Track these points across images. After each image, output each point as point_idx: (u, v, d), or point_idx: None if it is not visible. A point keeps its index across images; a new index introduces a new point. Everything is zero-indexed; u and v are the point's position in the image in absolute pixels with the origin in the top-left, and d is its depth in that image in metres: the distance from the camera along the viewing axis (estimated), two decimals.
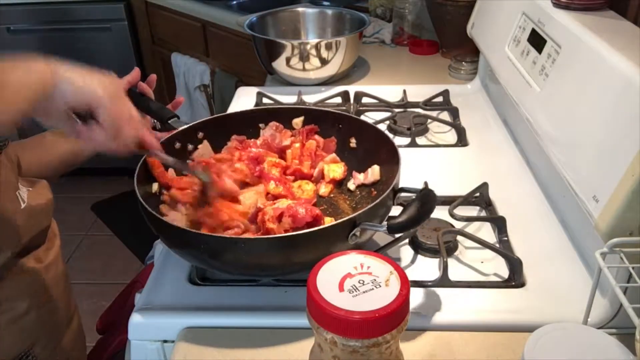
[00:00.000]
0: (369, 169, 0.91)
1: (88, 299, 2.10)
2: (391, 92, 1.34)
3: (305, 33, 1.59)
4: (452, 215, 0.87)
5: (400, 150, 0.84)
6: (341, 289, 0.50)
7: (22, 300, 0.81)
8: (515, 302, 0.74)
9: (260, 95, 1.32)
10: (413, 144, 1.14)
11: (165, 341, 0.75)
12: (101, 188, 2.79)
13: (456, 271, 0.80)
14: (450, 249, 0.84)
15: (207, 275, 0.82)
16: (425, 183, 0.93)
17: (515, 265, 0.78)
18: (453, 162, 1.09)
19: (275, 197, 0.86)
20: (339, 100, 1.32)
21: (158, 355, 0.75)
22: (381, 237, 0.86)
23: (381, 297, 0.49)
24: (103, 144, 0.67)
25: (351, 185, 0.92)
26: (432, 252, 0.84)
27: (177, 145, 0.90)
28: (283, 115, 0.99)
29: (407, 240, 0.86)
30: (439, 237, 0.81)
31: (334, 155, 0.95)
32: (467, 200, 0.92)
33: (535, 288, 0.76)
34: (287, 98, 1.31)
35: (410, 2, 1.65)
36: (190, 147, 0.93)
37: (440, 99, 1.32)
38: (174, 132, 0.90)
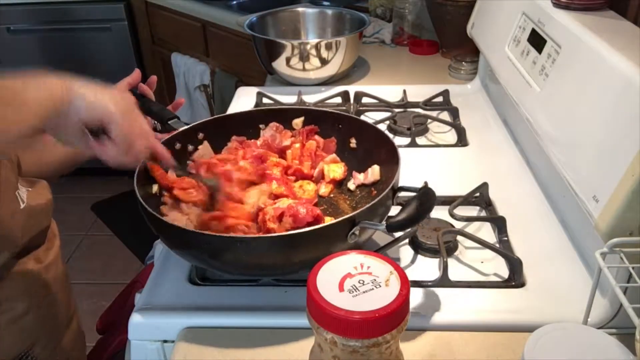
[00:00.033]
0: (369, 169, 0.91)
1: (88, 299, 2.10)
2: (391, 92, 1.34)
3: (305, 33, 1.59)
4: (452, 215, 0.87)
5: (400, 150, 0.84)
6: (341, 289, 0.50)
7: (22, 301, 0.81)
8: (515, 302, 0.74)
9: (260, 95, 1.32)
10: (413, 144, 1.14)
11: (165, 341, 0.75)
12: (101, 188, 2.79)
13: (456, 271, 0.80)
14: (450, 249, 0.84)
15: (207, 275, 0.82)
16: (425, 183, 0.93)
17: (515, 265, 0.78)
18: (453, 162, 1.09)
19: (277, 197, 0.86)
20: (339, 100, 1.32)
21: (158, 355, 0.75)
22: (381, 237, 0.87)
23: (381, 297, 0.49)
24: (115, 158, 0.67)
25: (351, 185, 0.92)
26: (432, 252, 0.84)
27: (178, 146, 0.90)
28: (283, 116, 0.99)
29: (407, 240, 0.86)
30: (439, 237, 0.81)
31: (334, 155, 0.95)
32: (467, 200, 0.92)
33: (535, 288, 0.76)
34: (287, 98, 1.31)
35: (410, 2, 1.65)
36: (190, 147, 0.93)
37: (440, 99, 1.32)
38: (174, 132, 0.90)
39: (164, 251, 0.86)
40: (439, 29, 1.59)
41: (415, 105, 1.29)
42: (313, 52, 1.35)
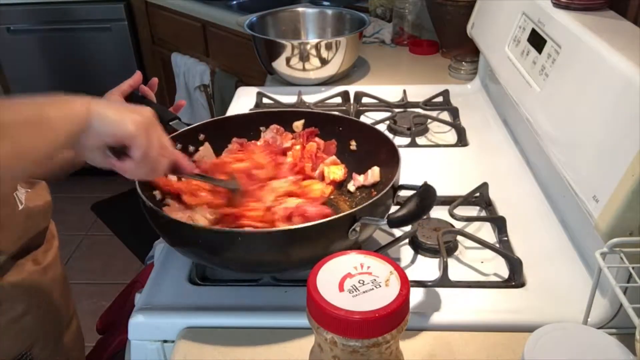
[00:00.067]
0: (369, 171, 0.91)
1: (88, 299, 2.10)
2: (391, 92, 1.34)
3: (305, 33, 1.59)
4: (452, 215, 0.87)
5: (400, 150, 0.84)
6: (341, 289, 0.50)
7: (21, 302, 0.81)
8: (515, 302, 0.74)
9: (260, 95, 1.32)
10: (413, 144, 1.14)
11: (165, 341, 0.75)
12: (101, 188, 2.79)
13: (456, 271, 0.80)
14: (450, 249, 0.84)
15: (207, 275, 0.82)
16: (425, 182, 0.93)
17: (515, 265, 0.78)
18: (453, 162, 1.09)
19: (289, 196, 0.86)
20: (339, 100, 1.32)
21: (158, 355, 0.75)
22: (381, 236, 0.87)
23: (381, 297, 0.49)
24: (136, 174, 0.69)
25: (351, 186, 0.92)
26: (432, 252, 0.84)
27: (178, 146, 0.90)
28: (284, 118, 0.99)
29: (407, 240, 0.86)
30: (439, 237, 0.81)
31: (334, 157, 0.95)
32: (467, 200, 0.92)
33: (535, 288, 0.76)
34: (287, 98, 1.31)
35: (410, 2, 1.65)
36: (191, 148, 0.93)
37: (440, 99, 1.32)
38: (175, 133, 0.90)
39: (164, 251, 0.86)
40: (439, 29, 1.59)
41: (415, 105, 1.29)
42: (313, 52, 1.36)
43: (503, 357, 0.67)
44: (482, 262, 0.82)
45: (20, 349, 0.81)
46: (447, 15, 1.50)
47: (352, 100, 1.31)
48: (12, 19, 2.55)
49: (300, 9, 1.59)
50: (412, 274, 0.79)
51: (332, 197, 0.92)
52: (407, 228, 0.85)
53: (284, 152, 0.95)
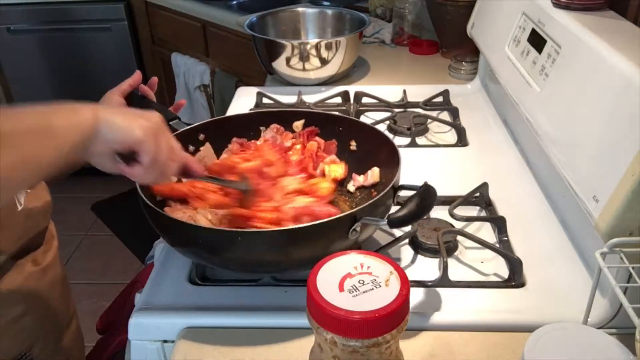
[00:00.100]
0: (369, 171, 0.91)
1: (88, 299, 2.10)
2: (391, 92, 1.34)
3: (305, 33, 1.59)
4: (452, 215, 0.87)
5: (400, 150, 0.84)
6: (341, 289, 0.50)
7: (20, 302, 0.81)
8: (515, 302, 0.74)
9: (260, 95, 1.32)
10: (413, 144, 1.14)
11: (165, 341, 0.75)
12: (101, 188, 2.79)
13: (456, 271, 0.80)
14: (450, 249, 0.84)
15: (207, 275, 0.82)
16: (425, 182, 0.93)
17: (515, 265, 0.78)
18: (453, 162, 1.09)
19: (297, 193, 0.85)
20: (339, 100, 1.32)
21: (158, 355, 0.75)
22: (381, 236, 0.87)
23: (381, 297, 0.49)
24: (146, 179, 0.69)
25: (351, 187, 0.92)
26: (432, 252, 0.84)
27: None
28: (284, 118, 0.99)
29: (407, 240, 0.86)
30: (439, 237, 0.81)
31: (333, 156, 0.95)
32: (467, 200, 0.92)
33: (535, 288, 0.76)
34: (287, 98, 1.31)
35: (410, 2, 1.65)
36: (191, 148, 0.93)
37: (440, 99, 1.32)
38: (175, 133, 0.90)
39: (164, 251, 0.86)
40: (439, 29, 1.59)
41: (415, 105, 1.29)
42: (313, 52, 1.35)
43: (503, 357, 0.67)
44: (482, 262, 0.82)
45: (20, 349, 0.81)
46: (447, 15, 1.50)
47: (352, 100, 1.31)
48: (12, 19, 2.55)
49: (300, 9, 1.59)
50: (412, 274, 0.79)
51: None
52: (407, 228, 0.85)
53: (286, 151, 0.95)
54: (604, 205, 0.66)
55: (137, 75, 0.92)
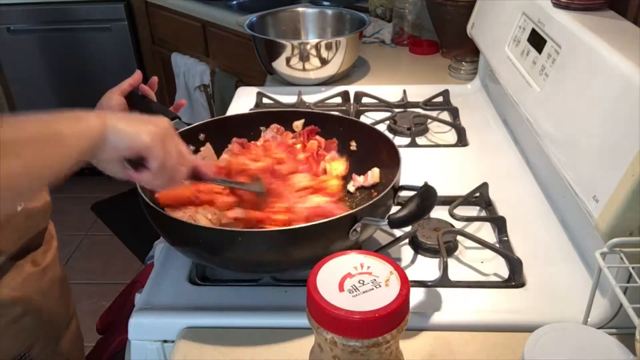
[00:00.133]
0: (369, 172, 0.91)
1: (88, 299, 2.10)
2: (391, 92, 1.34)
3: (305, 33, 1.59)
4: (452, 215, 0.87)
5: (401, 150, 0.84)
6: (341, 289, 0.50)
7: (20, 303, 0.81)
8: (515, 302, 0.74)
9: (260, 95, 1.32)
10: (413, 144, 1.14)
11: (165, 341, 0.75)
12: (101, 188, 2.79)
13: (456, 271, 0.80)
14: (450, 249, 0.84)
15: (207, 275, 0.82)
16: (425, 183, 0.93)
17: (515, 265, 0.78)
18: (453, 162, 1.09)
19: (307, 190, 0.85)
20: (339, 100, 1.32)
21: (158, 355, 0.75)
22: (381, 237, 0.87)
23: (381, 297, 0.49)
24: (155, 185, 0.69)
25: (351, 187, 0.92)
26: (432, 252, 0.84)
27: None
28: (284, 118, 0.99)
29: (407, 240, 0.86)
30: (439, 237, 0.81)
31: (333, 153, 0.95)
32: (467, 200, 0.92)
33: (535, 288, 0.76)
34: (287, 98, 1.31)
35: (410, 2, 1.65)
36: (192, 148, 0.93)
37: (440, 99, 1.32)
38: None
39: (164, 251, 0.86)
40: (439, 29, 1.59)
41: (415, 105, 1.29)
42: (313, 52, 1.36)
43: (503, 357, 0.67)
44: (482, 262, 0.82)
45: (19, 349, 0.81)
46: (447, 15, 1.50)
47: (352, 100, 1.31)
48: (12, 19, 2.55)
49: (300, 9, 1.59)
50: (412, 274, 0.79)
51: None
52: (408, 228, 0.85)
53: (292, 147, 0.95)
54: (604, 205, 0.66)
55: (138, 74, 0.92)
